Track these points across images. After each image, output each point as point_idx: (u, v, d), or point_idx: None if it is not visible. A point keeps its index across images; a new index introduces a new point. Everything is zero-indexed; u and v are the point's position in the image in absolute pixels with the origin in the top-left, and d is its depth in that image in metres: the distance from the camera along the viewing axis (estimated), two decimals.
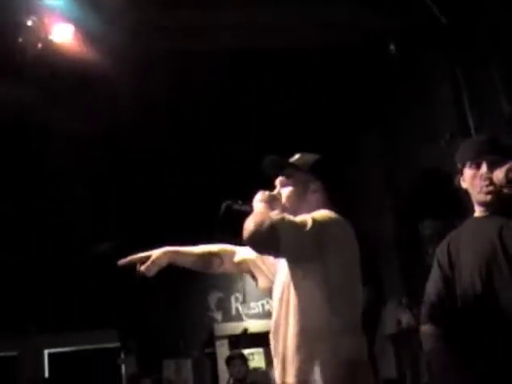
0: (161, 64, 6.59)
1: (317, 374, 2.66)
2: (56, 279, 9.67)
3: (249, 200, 3.04)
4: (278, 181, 3.15)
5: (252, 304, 10.15)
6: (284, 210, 2.96)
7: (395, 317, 7.80)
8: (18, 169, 8.15)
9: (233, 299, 9.96)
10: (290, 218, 2.74)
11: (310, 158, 3.15)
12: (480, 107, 6.58)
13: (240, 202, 3.11)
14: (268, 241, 2.70)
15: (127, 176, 8.76)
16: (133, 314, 9.71)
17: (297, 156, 3.17)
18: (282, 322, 2.84)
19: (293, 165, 3.11)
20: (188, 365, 9.99)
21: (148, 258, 3.43)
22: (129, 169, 8.61)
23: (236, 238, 2.97)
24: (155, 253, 3.42)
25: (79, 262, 9.73)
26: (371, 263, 9.05)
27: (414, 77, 7.37)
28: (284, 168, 3.12)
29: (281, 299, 2.89)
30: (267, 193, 3.05)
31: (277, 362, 2.87)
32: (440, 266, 3.31)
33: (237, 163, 8.31)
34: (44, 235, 9.38)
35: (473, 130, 6.59)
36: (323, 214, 2.85)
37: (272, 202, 2.99)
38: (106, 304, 9.57)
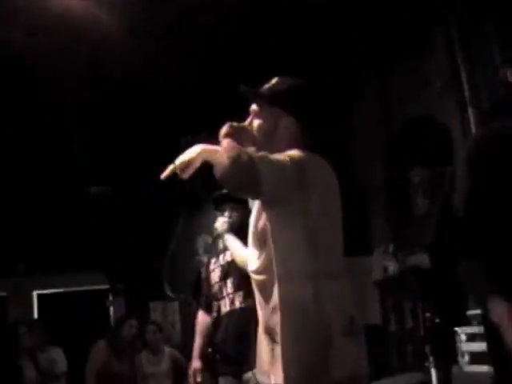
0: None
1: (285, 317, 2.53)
2: (46, 221, 9.67)
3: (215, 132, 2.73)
4: (251, 110, 2.85)
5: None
6: (254, 143, 2.75)
7: (381, 264, 7.85)
8: (13, 110, 8.08)
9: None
10: (269, 155, 2.51)
11: (284, 86, 2.80)
12: (472, 55, 6.53)
13: (202, 134, 2.81)
14: (247, 178, 2.41)
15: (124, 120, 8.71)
16: (122, 256, 9.75)
17: (273, 81, 2.84)
18: (264, 272, 2.65)
19: (264, 96, 2.78)
20: (175, 308, 10.07)
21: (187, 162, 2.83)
22: (125, 113, 8.55)
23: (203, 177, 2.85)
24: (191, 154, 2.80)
25: (70, 203, 9.72)
26: (359, 210, 9.08)
27: (407, 24, 7.29)
28: (255, 98, 2.80)
29: (258, 247, 2.72)
30: (234, 124, 2.73)
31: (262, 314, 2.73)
32: None
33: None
34: (36, 176, 9.35)
35: (465, 78, 6.55)
36: (300, 154, 2.59)
37: (240, 134, 2.69)
38: (95, 246, 9.60)
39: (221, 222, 4.55)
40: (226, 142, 2.56)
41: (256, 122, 2.79)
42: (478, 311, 5.54)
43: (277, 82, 2.81)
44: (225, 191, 4.47)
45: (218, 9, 6.67)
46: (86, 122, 8.58)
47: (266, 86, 2.82)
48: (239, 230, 4.02)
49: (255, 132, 2.78)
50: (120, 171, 9.60)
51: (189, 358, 7.78)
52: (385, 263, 7.72)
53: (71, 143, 8.98)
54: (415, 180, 7.59)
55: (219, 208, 4.83)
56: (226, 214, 4.63)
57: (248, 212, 3.91)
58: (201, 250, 10.26)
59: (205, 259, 10.39)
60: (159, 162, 9.23)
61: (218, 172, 2.45)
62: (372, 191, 8.90)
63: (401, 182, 7.85)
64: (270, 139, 2.75)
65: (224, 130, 2.69)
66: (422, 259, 6.97)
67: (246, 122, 2.83)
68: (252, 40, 7.33)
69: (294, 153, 2.59)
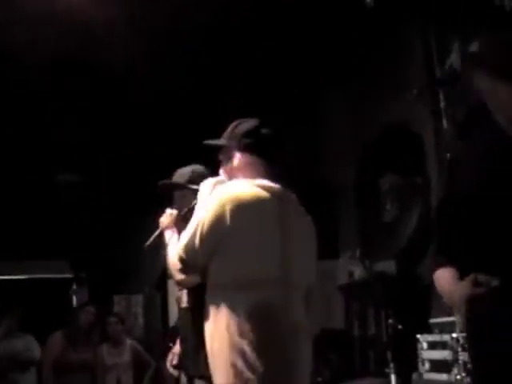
0: None
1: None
2: (11, 207, 9.58)
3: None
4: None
5: None
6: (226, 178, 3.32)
7: (347, 268, 7.88)
8: None
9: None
10: (185, 248, 3.11)
11: (228, 133, 3.36)
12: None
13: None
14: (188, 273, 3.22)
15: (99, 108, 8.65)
16: (87, 246, 9.69)
17: (231, 126, 3.38)
18: None
19: (217, 147, 3.39)
20: (139, 300, 10.04)
21: None
22: (98, 101, 8.49)
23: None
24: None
25: (38, 191, 9.64)
26: (328, 214, 9.11)
27: (385, 30, 7.33)
28: (215, 150, 3.39)
29: None
30: (170, 213, 3.87)
31: None
32: None
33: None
34: (2, 162, 9.25)
35: (440, 90, 6.59)
36: (211, 214, 3.03)
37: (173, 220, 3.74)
38: (60, 234, 9.53)
39: (164, 216, 4.22)
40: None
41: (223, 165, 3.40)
42: (440, 319, 5.60)
43: (226, 133, 3.38)
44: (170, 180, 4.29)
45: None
46: (58, 109, 8.51)
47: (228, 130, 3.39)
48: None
49: (223, 172, 3.40)
50: (89, 161, 9.55)
51: (150, 351, 7.80)
52: (351, 268, 7.75)
53: (41, 130, 8.91)
54: (385, 187, 7.63)
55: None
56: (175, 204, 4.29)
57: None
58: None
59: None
60: (129, 153, 9.26)
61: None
62: (342, 196, 8.94)
63: (371, 188, 7.88)
64: (231, 172, 3.32)
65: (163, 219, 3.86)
66: (389, 266, 7.01)
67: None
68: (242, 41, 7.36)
69: (209, 212, 3.04)
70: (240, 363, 2.85)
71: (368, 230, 8.06)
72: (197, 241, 3.01)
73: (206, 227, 2.98)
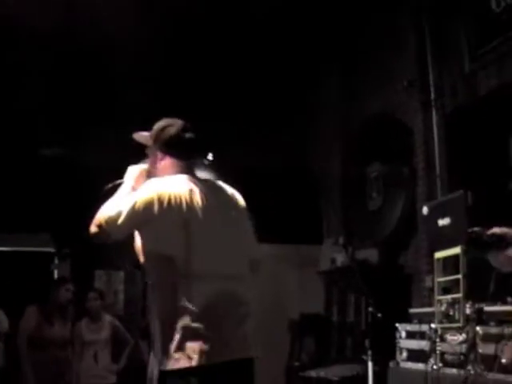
0: None
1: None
2: None
3: None
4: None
5: None
6: (149, 174, 3.51)
7: (330, 255, 7.91)
8: None
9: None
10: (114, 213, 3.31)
11: (154, 132, 3.51)
12: (441, 59, 6.60)
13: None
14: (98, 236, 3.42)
15: (83, 79, 8.59)
16: (70, 220, 9.64)
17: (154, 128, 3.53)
18: None
19: (144, 143, 3.59)
20: (120, 277, 10.04)
21: None
22: (82, 75, 8.44)
23: None
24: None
25: (22, 164, 9.58)
26: (312, 200, 9.14)
27: (377, 19, 7.34)
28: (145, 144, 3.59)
29: None
30: (135, 167, 3.63)
31: None
32: None
33: None
34: None
35: (431, 81, 6.61)
36: (143, 198, 3.22)
37: (138, 174, 3.58)
38: (43, 208, 9.48)
39: (135, 167, 4.40)
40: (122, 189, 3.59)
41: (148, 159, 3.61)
42: (420, 310, 5.64)
43: (155, 129, 3.53)
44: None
45: None
46: (42, 82, 8.47)
47: (137, 136, 3.66)
48: None
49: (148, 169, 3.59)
50: (73, 134, 9.49)
51: (131, 329, 7.80)
52: (333, 255, 7.78)
53: (24, 103, 8.85)
54: (372, 175, 7.65)
55: None
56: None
57: None
58: None
59: None
60: (111, 125, 9.17)
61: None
62: (328, 183, 8.96)
63: (358, 176, 7.91)
64: (154, 171, 3.52)
65: (128, 172, 3.65)
66: (371, 254, 7.05)
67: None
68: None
69: (141, 195, 3.26)
70: None
71: (352, 217, 8.09)
72: (123, 218, 3.26)
73: (136, 209, 3.21)
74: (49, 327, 6.70)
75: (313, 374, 6.53)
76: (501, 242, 3.39)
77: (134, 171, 3.61)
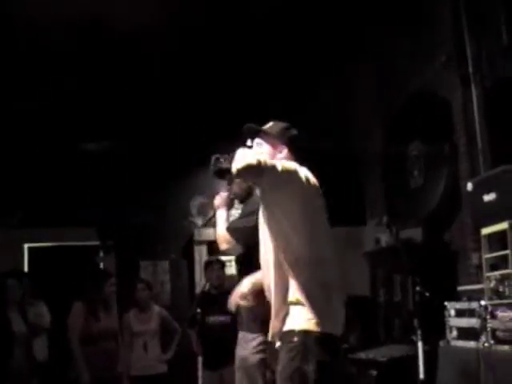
0: None
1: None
2: (40, 174, 9.62)
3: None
4: (255, 142, 3.69)
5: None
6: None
7: (374, 235, 7.87)
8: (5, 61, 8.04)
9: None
10: (271, 161, 3.27)
11: (279, 126, 3.71)
12: (479, 32, 6.49)
13: (227, 156, 3.66)
14: (253, 170, 3.17)
15: (123, 75, 8.67)
16: (115, 214, 9.73)
17: (270, 123, 3.72)
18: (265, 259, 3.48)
19: (264, 131, 3.67)
20: (165, 267, 10.09)
21: None
22: (124, 66, 8.51)
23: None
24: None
25: (65, 158, 9.69)
26: (355, 181, 9.09)
27: None
28: (258, 133, 3.68)
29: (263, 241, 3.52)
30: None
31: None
32: None
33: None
34: (35, 130, 9.32)
35: (469, 55, 6.52)
36: (290, 165, 3.35)
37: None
38: (87, 202, 9.57)
39: (218, 198, 4.74)
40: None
41: (258, 148, 3.66)
42: (468, 287, 5.59)
43: (275, 123, 3.73)
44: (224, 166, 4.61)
45: None
46: (84, 79, 8.55)
47: (266, 126, 3.71)
48: (247, 196, 4.58)
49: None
50: (117, 128, 9.58)
51: (178, 319, 7.85)
52: (377, 235, 7.73)
53: (68, 99, 8.95)
54: (412, 154, 7.59)
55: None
56: (227, 187, 4.67)
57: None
58: (194, 211, 10.25)
59: (198, 221, 10.48)
60: (153, 121, 9.29)
61: (235, 165, 3.19)
62: (369, 164, 8.91)
63: (398, 155, 7.84)
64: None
65: (240, 151, 3.34)
66: (415, 233, 6.99)
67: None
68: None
69: (287, 162, 3.38)
70: None
71: (395, 197, 8.03)
72: (279, 166, 3.25)
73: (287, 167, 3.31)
74: (96, 322, 6.78)
75: (362, 355, 6.50)
76: None
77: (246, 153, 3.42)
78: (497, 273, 4.81)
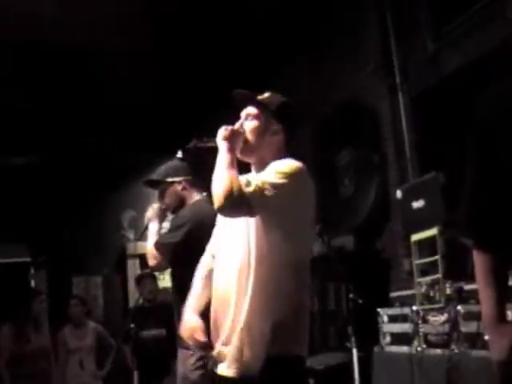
0: None
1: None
2: None
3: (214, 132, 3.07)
4: (244, 112, 3.18)
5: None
6: (245, 143, 3.08)
7: None
8: None
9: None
10: (258, 185, 2.83)
11: (277, 98, 3.23)
12: (405, 42, 6.61)
13: (205, 139, 3.17)
14: (239, 211, 2.86)
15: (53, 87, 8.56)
16: (45, 229, 9.60)
17: (266, 94, 3.23)
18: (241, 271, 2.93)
19: (260, 102, 3.17)
20: (98, 282, 9.99)
21: None
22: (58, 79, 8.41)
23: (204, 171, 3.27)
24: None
25: None
26: None
27: (342, 6, 7.32)
28: (252, 102, 3.17)
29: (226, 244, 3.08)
30: (229, 128, 3.05)
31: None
32: None
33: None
34: None
35: (396, 64, 6.63)
36: (288, 170, 2.95)
37: (234, 138, 3.02)
38: (17, 218, 9.42)
39: (150, 210, 4.68)
40: (223, 148, 2.97)
41: (252, 123, 3.13)
42: (400, 293, 5.66)
43: (271, 95, 3.24)
44: (147, 179, 4.69)
45: None
46: (12, 91, 8.41)
47: (262, 96, 3.21)
48: (177, 208, 4.52)
49: (249, 132, 3.11)
50: (44, 142, 9.44)
51: (111, 334, 7.77)
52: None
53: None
54: (342, 163, 7.66)
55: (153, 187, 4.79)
56: (158, 198, 4.63)
57: (177, 190, 4.16)
58: (126, 224, 10.18)
59: (130, 234, 10.40)
60: (82, 133, 9.17)
61: (216, 205, 2.83)
62: None
63: (328, 164, 7.91)
64: (261, 140, 3.12)
65: (221, 132, 3.02)
66: (347, 241, 7.06)
67: (239, 123, 3.14)
68: None
69: (284, 167, 2.96)
70: None
71: (326, 205, 8.09)
72: (270, 189, 2.89)
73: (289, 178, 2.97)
74: (26, 343, 6.67)
75: None
76: None
77: (227, 134, 3.04)
78: (427, 278, 4.89)
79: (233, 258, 2.97)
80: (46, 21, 6.87)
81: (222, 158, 2.93)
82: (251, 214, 2.86)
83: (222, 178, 2.84)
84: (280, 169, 2.93)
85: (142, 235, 4.80)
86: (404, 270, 6.10)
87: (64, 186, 9.65)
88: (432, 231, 4.88)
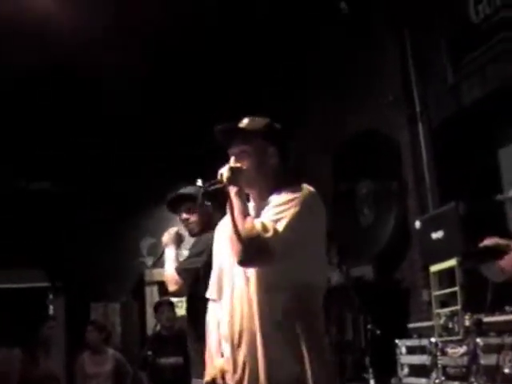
0: None
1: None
2: None
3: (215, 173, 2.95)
4: (233, 151, 3.03)
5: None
6: (247, 178, 2.95)
7: None
8: None
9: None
10: (275, 227, 2.75)
11: (261, 122, 3.07)
12: (425, 73, 6.62)
13: (211, 181, 2.94)
14: (262, 261, 2.78)
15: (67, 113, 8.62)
16: (64, 255, 9.62)
17: (246, 121, 3.06)
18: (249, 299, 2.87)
19: (248, 131, 3.00)
20: (116, 309, 9.99)
21: None
22: (67, 108, 8.47)
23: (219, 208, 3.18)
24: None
25: (13, 199, 9.57)
26: None
27: (363, 38, 7.35)
28: (238, 134, 3.01)
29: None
30: (232, 167, 2.92)
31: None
32: None
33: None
34: None
35: (416, 95, 6.64)
36: (299, 196, 2.89)
37: (238, 178, 2.91)
38: (36, 243, 9.45)
39: (166, 235, 4.59)
40: (233, 192, 2.86)
41: (248, 157, 2.99)
42: (419, 324, 5.62)
43: (253, 120, 3.06)
44: (179, 193, 4.51)
45: None
46: (31, 118, 8.48)
47: (242, 124, 3.03)
48: (201, 231, 4.41)
49: (249, 167, 2.97)
50: (64, 169, 9.50)
51: (128, 361, 7.75)
52: (329, 274, 7.74)
53: (14, 139, 8.86)
54: (361, 192, 7.65)
55: (173, 210, 4.70)
56: (183, 216, 4.53)
57: (209, 210, 4.06)
58: (144, 251, 10.19)
59: (148, 261, 10.41)
60: (103, 160, 9.19)
61: (237, 260, 2.78)
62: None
63: (348, 193, 7.89)
64: (261, 172, 3.01)
65: (226, 174, 2.89)
66: (366, 271, 7.03)
67: (231, 163, 2.98)
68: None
69: (299, 194, 2.90)
70: None
71: (345, 235, 8.07)
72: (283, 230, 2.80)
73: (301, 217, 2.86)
74: (35, 367, 6.68)
75: None
76: (493, 253, 3.39)
77: (232, 176, 2.90)
78: (446, 309, 4.85)
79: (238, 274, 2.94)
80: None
81: (235, 205, 2.84)
82: (272, 260, 2.76)
83: (239, 227, 2.77)
84: (289, 197, 2.88)
85: (158, 261, 4.73)
86: (423, 301, 6.06)
87: (84, 211, 9.70)
88: (451, 262, 4.85)
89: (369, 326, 5.35)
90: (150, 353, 6.80)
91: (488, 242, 3.49)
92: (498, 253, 3.40)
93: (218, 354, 3.12)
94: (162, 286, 9.20)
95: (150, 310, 9.20)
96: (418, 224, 5.59)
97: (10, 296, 9.88)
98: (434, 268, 5.14)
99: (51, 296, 9.75)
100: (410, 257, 6.68)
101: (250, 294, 2.87)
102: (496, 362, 4.02)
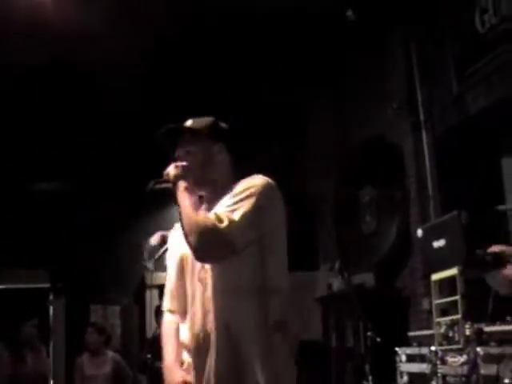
0: None
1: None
2: None
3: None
4: (179, 153, 3.02)
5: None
6: (195, 177, 2.92)
7: (326, 281, 7.87)
8: None
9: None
10: (230, 216, 2.65)
11: (205, 121, 3.06)
12: (430, 81, 6.63)
13: (161, 180, 2.93)
14: (220, 253, 2.68)
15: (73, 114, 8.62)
16: (65, 256, 9.63)
17: (190, 121, 3.07)
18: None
19: (193, 130, 3.01)
20: (116, 311, 9.99)
21: None
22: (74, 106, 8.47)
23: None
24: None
25: (15, 200, 9.58)
26: (308, 225, 9.11)
27: (369, 46, 7.36)
28: (184, 134, 3.02)
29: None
30: (180, 165, 2.92)
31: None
32: None
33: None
34: None
35: (420, 103, 6.64)
36: (253, 186, 2.78)
37: (184, 172, 2.89)
38: (38, 244, 9.47)
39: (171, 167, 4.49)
40: (182, 188, 2.82)
41: (192, 157, 2.97)
42: (419, 332, 5.61)
43: (197, 120, 3.06)
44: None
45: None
46: (35, 119, 8.48)
47: (187, 124, 3.05)
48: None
49: (196, 166, 2.95)
50: (67, 170, 9.51)
51: (128, 363, 7.75)
52: (330, 280, 7.74)
53: (17, 140, 8.87)
54: (364, 199, 7.65)
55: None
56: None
57: None
58: (146, 255, 10.18)
59: (150, 264, 10.38)
60: (105, 162, 9.19)
61: (193, 252, 2.67)
62: (322, 208, 8.95)
63: (350, 200, 7.90)
64: (209, 167, 2.97)
65: (173, 171, 2.89)
66: (368, 278, 7.02)
67: (179, 163, 2.96)
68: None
69: (255, 186, 2.77)
70: None
71: (347, 242, 8.07)
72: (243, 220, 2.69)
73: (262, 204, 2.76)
74: (21, 364, 6.69)
75: None
76: (499, 261, 3.40)
77: (181, 172, 2.90)
78: (447, 318, 4.84)
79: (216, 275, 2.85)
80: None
81: (183, 199, 2.78)
82: (231, 252, 2.65)
83: (191, 220, 2.68)
84: (244, 187, 2.79)
85: (156, 262, 4.71)
86: (423, 309, 6.06)
87: (86, 213, 9.70)
88: (452, 271, 4.84)
89: (369, 334, 5.33)
90: (149, 356, 6.79)
91: (495, 248, 3.50)
92: (502, 261, 3.41)
93: (176, 365, 3.06)
94: (162, 289, 9.25)
95: (149, 313, 9.20)
96: (419, 232, 5.59)
97: (12, 296, 9.90)
98: (435, 276, 5.13)
99: (52, 297, 9.77)
100: (411, 265, 6.68)
101: (207, 297, 2.83)
102: (496, 372, 4.01)
